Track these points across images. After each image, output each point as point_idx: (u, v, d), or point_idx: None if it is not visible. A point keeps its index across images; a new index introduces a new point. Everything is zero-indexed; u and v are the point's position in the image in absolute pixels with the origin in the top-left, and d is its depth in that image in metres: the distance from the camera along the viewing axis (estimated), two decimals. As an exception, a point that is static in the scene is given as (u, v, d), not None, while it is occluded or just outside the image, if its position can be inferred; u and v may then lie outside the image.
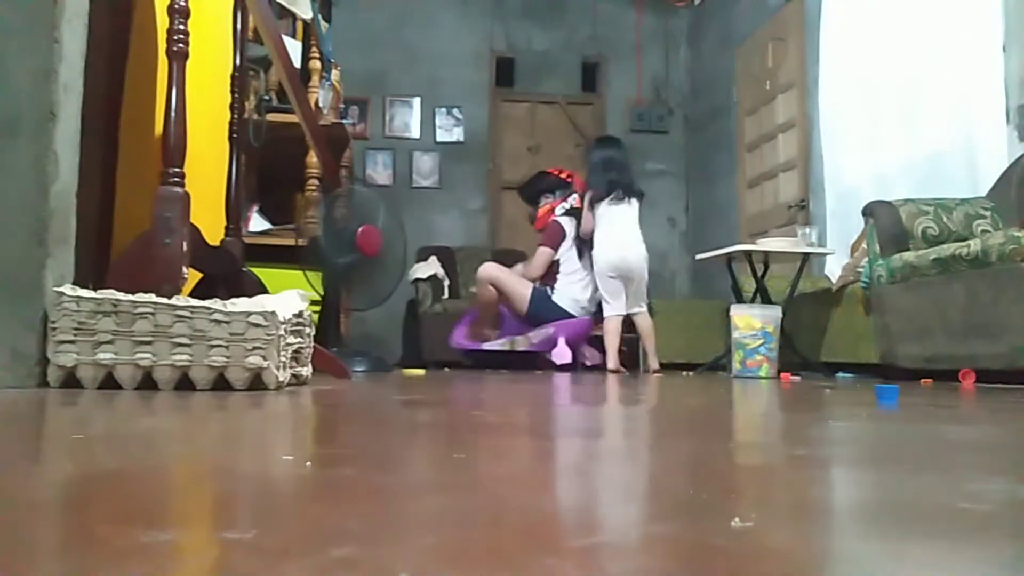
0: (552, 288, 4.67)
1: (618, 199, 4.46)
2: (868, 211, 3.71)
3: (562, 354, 4.43)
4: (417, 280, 5.51)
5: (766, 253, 4.21)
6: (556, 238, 4.69)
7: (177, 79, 1.88)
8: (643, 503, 0.54)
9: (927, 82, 4.31)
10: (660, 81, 7.50)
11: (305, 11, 3.59)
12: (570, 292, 4.63)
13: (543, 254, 4.72)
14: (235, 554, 0.36)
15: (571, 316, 4.55)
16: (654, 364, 4.44)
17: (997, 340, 2.90)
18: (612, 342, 4.41)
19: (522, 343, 4.60)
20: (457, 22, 7.15)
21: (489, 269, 4.70)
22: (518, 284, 4.67)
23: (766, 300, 4.21)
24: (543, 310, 4.60)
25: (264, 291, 2.31)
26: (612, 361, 4.41)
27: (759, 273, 4.31)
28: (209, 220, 2.40)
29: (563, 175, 4.86)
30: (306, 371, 1.91)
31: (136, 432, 0.93)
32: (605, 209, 4.46)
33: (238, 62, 2.61)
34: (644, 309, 4.53)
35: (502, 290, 4.65)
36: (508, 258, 6.35)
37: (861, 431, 1.10)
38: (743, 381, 3.13)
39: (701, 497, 0.58)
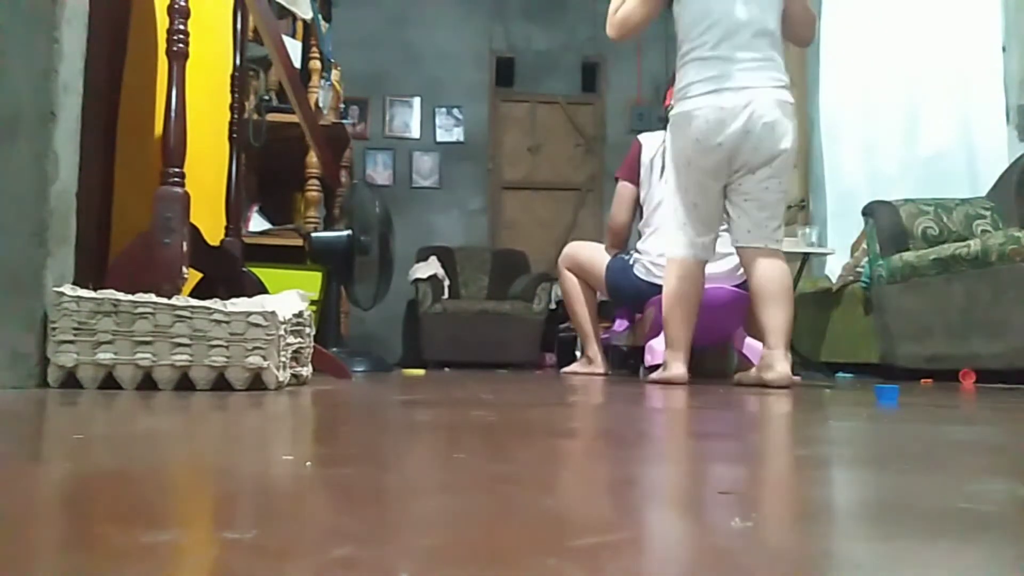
0: (632, 252, 3.31)
1: None
2: (868, 211, 3.71)
3: (656, 351, 2.95)
4: (417, 280, 5.51)
5: (766, 253, 4.19)
6: (628, 164, 3.40)
7: (177, 79, 1.87)
8: (643, 502, 0.54)
9: (927, 82, 4.31)
10: (660, 81, 7.49)
11: (305, 11, 3.59)
12: (656, 248, 3.03)
13: (618, 193, 3.38)
14: (235, 554, 0.36)
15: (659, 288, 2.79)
16: (778, 365, 2.36)
17: (997, 340, 2.90)
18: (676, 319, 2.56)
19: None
20: (457, 22, 7.15)
21: (566, 250, 3.54)
22: (594, 253, 3.42)
23: (766, 300, 4.20)
24: (622, 283, 3.24)
25: (264, 291, 2.30)
26: (668, 355, 2.56)
27: (759, 273, 4.29)
28: (209, 220, 2.40)
29: None
30: (306, 371, 1.91)
31: (136, 432, 0.93)
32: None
33: (238, 62, 2.61)
34: (771, 246, 2.48)
35: (581, 270, 3.44)
36: (508, 258, 6.37)
37: (861, 431, 1.10)
38: (743, 381, 3.11)
39: (701, 497, 0.58)
